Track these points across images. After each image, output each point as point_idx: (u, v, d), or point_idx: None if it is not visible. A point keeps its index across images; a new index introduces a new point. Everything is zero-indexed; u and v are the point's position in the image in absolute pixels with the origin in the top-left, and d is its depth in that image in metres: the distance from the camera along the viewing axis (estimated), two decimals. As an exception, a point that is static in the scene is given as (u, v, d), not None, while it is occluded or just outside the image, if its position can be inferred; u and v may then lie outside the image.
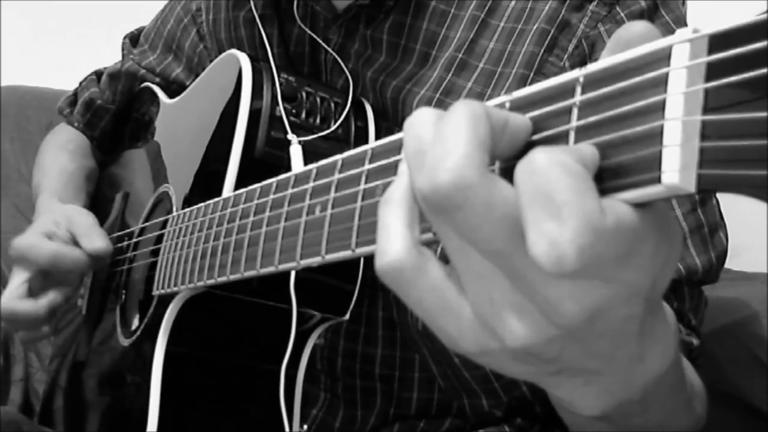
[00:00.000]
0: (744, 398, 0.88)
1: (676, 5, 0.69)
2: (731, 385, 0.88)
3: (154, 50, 0.98)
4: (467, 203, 0.29)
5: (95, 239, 0.81)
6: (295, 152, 0.67)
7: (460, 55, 0.70)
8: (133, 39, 1.03)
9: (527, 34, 0.68)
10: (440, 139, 0.29)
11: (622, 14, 0.66)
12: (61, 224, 0.83)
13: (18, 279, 0.82)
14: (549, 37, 0.67)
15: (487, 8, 0.71)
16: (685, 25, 0.69)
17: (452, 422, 0.78)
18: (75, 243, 0.82)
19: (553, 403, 0.47)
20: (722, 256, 0.67)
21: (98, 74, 1.03)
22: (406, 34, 0.73)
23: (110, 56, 1.05)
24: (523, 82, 0.67)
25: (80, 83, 1.04)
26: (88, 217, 0.84)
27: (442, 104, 0.70)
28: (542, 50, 0.67)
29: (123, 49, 1.03)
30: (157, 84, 0.96)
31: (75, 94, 1.04)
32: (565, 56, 0.67)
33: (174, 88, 0.94)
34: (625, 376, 0.36)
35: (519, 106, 0.33)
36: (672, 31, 0.71)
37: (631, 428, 0.44)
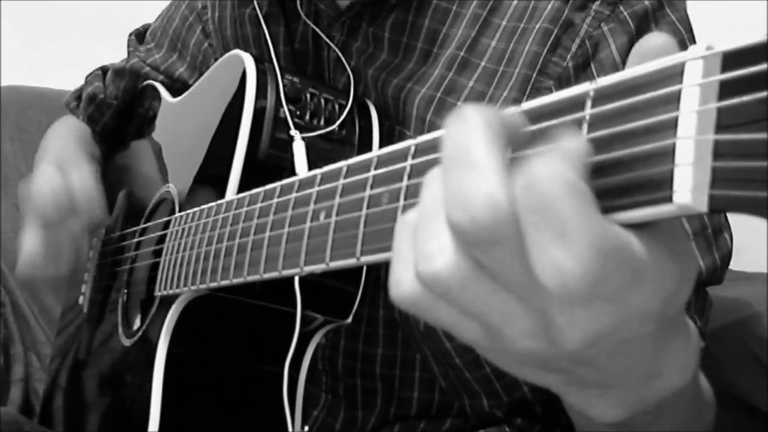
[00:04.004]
0: (744, 398, 0.88)
1: (681, 4, 0.68)
2: (731, 385, 0.88)
3: (160, 48, 0.97)
4: (505, 237, 0.27)
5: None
6: (298, 148, 0.67)
7: (462, 53, 0.70)
8: (139, 36, 1.03)
9: (530, 33, 0.67)
10: (464, 162, 0.28)
11: (626, 13, 0.66)
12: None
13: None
14: (552, 37, 0.66)
15: (489, 6, 0.70)
16: (689, 24, 0.69)
17: (453, 422, 0.78)
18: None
19: (565, 406, 0.47)
20: (727, 257, 0.67)
21: (104, 70, 1.03)
22: (408, 32, 0.73)
23: (110, 56, 1.05)
24: (526, 82, 0.67)
25: (86, 78, 1.04)
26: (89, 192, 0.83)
27: (444, 103, 0.70)
28: (545, 50, 0.66)
29: (129, 46, 1.02)
30: (161, 82, 0.96)
31: (81, 89, 1.04)
32: (569, 56, 0.66)
33: (178, 87, 0.94)
34: (640, 390, 0.36)
35: (529, 119, 0.32)
36: (677, 31, 0.70)
37: None
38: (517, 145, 0.30)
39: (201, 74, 0.89)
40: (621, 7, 0.66)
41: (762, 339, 0.91)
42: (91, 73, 1.04)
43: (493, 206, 0.27)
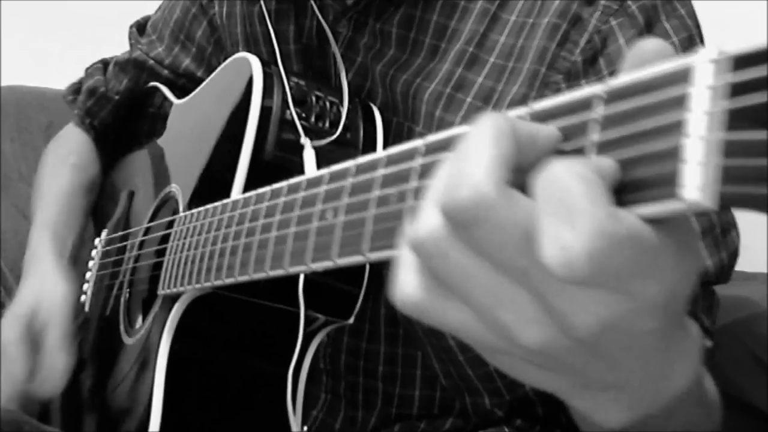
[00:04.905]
0: (744, 398, 0.88)
1: None
2: (731, 385, 0.88)
3: (162, 41, 0.97)
4: (487, 220, 0.29)
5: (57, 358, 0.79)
6: (309, 156, 0.67)
7: (471, 49, 0.70)
8: (140, 27, 1.02)
9: (538, 29, 0.67)
10: (463, 155, 0.30)
11: (634, 8, 0.66)
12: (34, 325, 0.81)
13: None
14: (561, 32, 0.66)
15: (498, 2, 0.70)
16: (696, 18, 0.69)
17: (453, 422, 0.78)
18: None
19: (573, 414, 0.47)
20: (734, 255, 0.67)
21: (105, 63, 1.02)
22: (416, 27, 0.73)
23: (111, 56, 1.04)
24: (534, 77, 0.67)
25: (86, 70, 1.03)
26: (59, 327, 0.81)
27: (453, 99, 0.70)
28: (554, 44, 0.66)
29: (130, 39, 1.02)
30: (165, 76, 0.95)
31: (80, 81, 1.03)
32: (577, 50, 0.66)
33: (182, 83, 0.94)
34: (651, 392, 0.36)
35: (539, 119, 0.33)
36: (686, 25, 0.71)
37: None
38: (531, 152, 0.31)
39: (210, 65, 0.89)
40: (629, 2, 0.66)
41: (762, 339, 0.91)
42: (91, 66, 1.03)
43: (475, 191, 0.29)
